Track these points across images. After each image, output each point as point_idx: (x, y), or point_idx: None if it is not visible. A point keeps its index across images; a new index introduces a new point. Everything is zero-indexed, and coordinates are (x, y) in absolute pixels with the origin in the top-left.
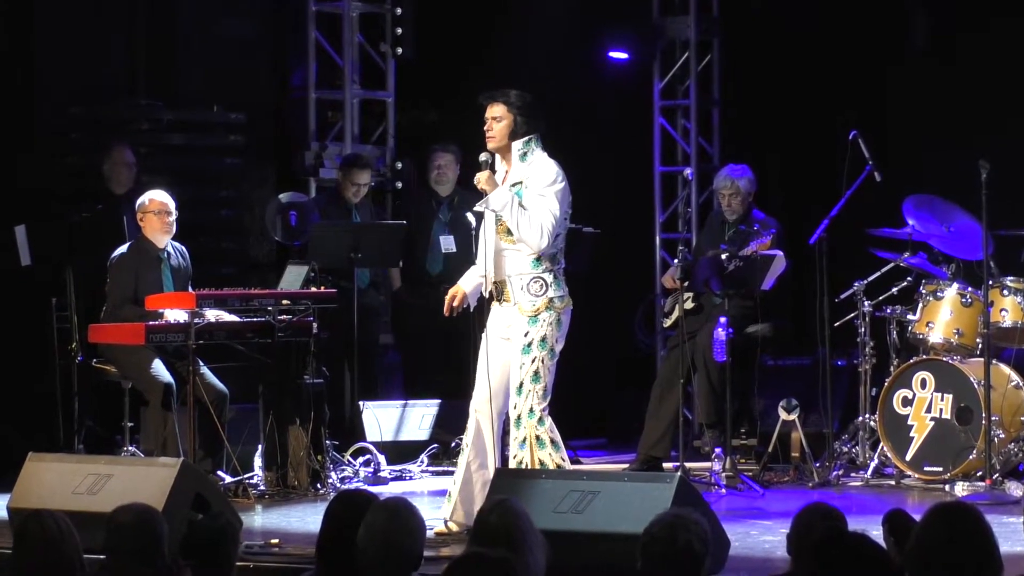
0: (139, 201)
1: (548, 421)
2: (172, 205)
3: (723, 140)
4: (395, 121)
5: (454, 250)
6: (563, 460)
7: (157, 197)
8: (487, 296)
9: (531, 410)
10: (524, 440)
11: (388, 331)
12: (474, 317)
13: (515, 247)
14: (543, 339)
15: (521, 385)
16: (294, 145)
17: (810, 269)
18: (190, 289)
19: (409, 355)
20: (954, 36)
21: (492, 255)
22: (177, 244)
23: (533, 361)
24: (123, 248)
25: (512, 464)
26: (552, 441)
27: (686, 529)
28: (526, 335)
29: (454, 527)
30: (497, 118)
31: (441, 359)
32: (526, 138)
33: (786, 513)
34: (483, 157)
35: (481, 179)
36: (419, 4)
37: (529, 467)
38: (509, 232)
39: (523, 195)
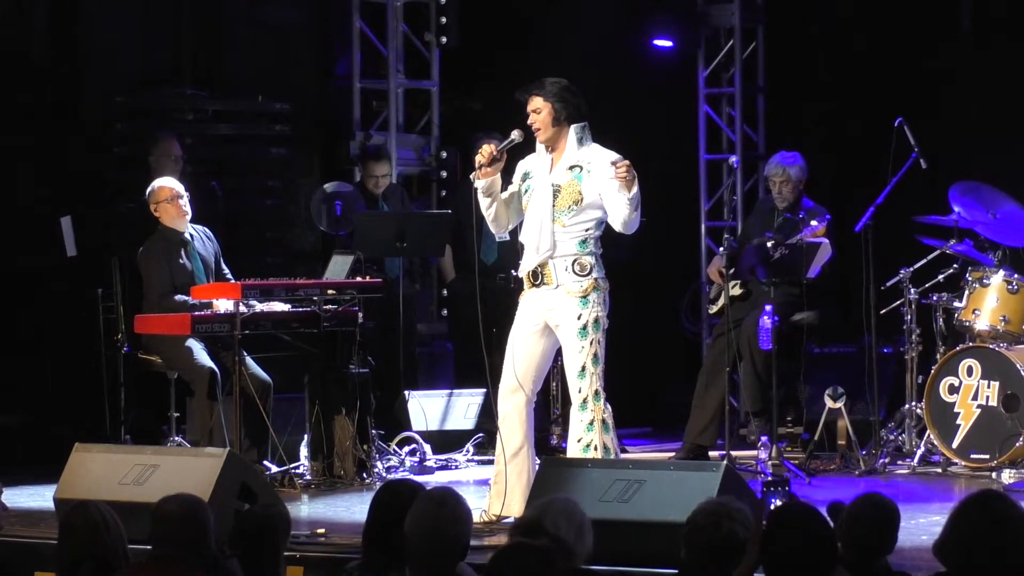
0: (147, 192)
1: (608, 404)
2: (181, 188)
3: (768, 128)
4: (439, 110)
5: (507, 239)
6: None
7: (165, 184)
8: (521, 279)
9: (597, 393)
10: (591, 423)
11: (430, 320)
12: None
13: (564, 229)
14: (596, 320)
15: (583, 369)
16: (339, 135)
17: (856, 256)
18: (224, 268)
19: (463, 345)
20: (1003, 22)
21: (548, 232)
22: (199, 226)
23: (592, 344)
24: (147, 242)
25: (578, 447)
26: (613, 425)
27: (730, 517)
28: (579, 318)
29: (491, 517)
30: (537, 110)
31: (492, 348)
32: (581, 124)
33: (833, 501)
34: (516, 135)
35: (484, 152)
36: None
37: (596, 448)
38: (565, 211)
39: (583, 179)
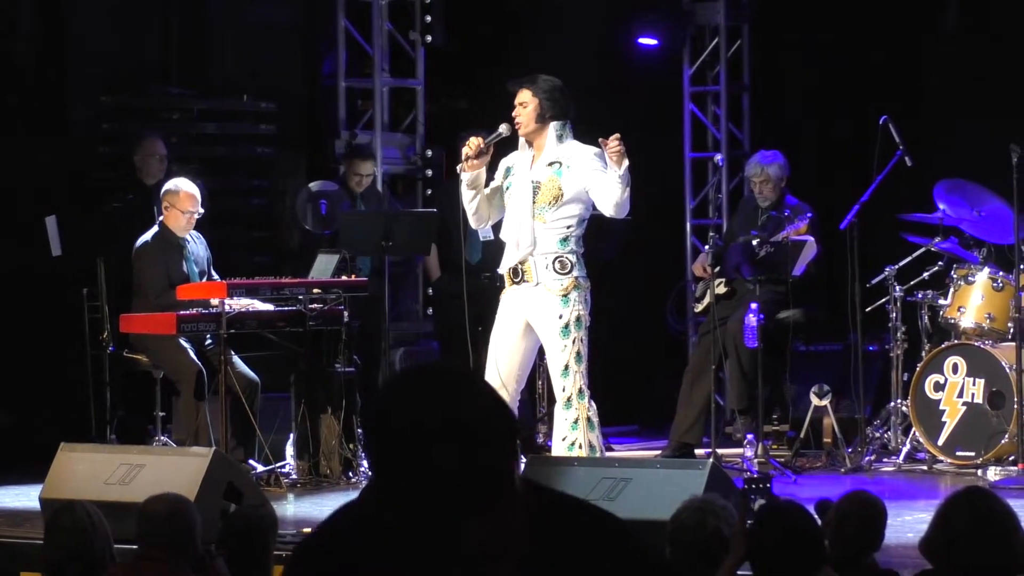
0: (167, 188)
1: (593, 402)
2: (200, 200)
3: (753, 126)
4: (425, 109)
5: (491, 238)
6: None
7: (190, 191)
8: (505, 276)
9: (581, 391)
10: (576, 421)
11: (415, 319)
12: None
13: (545, 225)
14: (578, 319)
15: (566, 367)
16: (325, 134)
17: (841, 254)
18: (213, 275)
19: (448, 344)
20: (987, 18)
21: (528, 228)
22: (193, 231)
23: (574, 342)
24: (147, 237)
25: (563, 445)
26: (598, 423)
27: (714, 515)
28: (560, 317)
29: None
30: (524, 103)
31: (478, 347)
32: (562, 121)
33: (819, 499)
34: (503, 128)
35: (471, 144)
36: None
37: (582, 446)
38: (546, 207)
39: (563, 174)
